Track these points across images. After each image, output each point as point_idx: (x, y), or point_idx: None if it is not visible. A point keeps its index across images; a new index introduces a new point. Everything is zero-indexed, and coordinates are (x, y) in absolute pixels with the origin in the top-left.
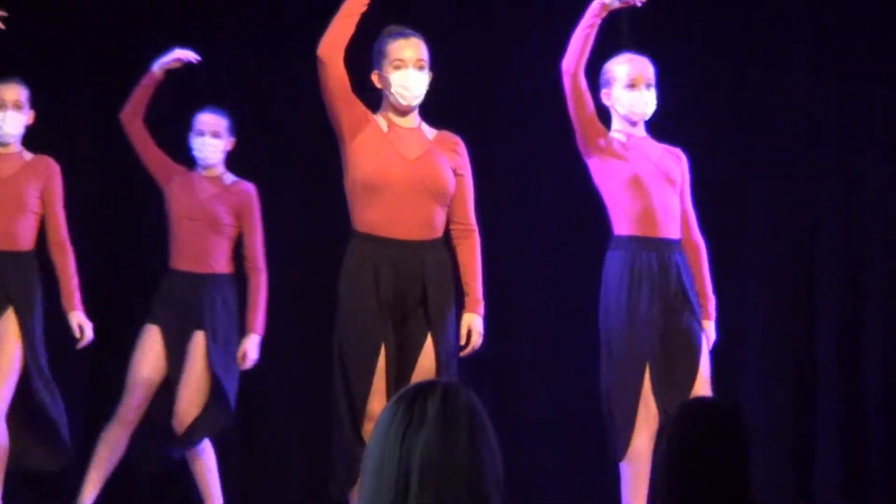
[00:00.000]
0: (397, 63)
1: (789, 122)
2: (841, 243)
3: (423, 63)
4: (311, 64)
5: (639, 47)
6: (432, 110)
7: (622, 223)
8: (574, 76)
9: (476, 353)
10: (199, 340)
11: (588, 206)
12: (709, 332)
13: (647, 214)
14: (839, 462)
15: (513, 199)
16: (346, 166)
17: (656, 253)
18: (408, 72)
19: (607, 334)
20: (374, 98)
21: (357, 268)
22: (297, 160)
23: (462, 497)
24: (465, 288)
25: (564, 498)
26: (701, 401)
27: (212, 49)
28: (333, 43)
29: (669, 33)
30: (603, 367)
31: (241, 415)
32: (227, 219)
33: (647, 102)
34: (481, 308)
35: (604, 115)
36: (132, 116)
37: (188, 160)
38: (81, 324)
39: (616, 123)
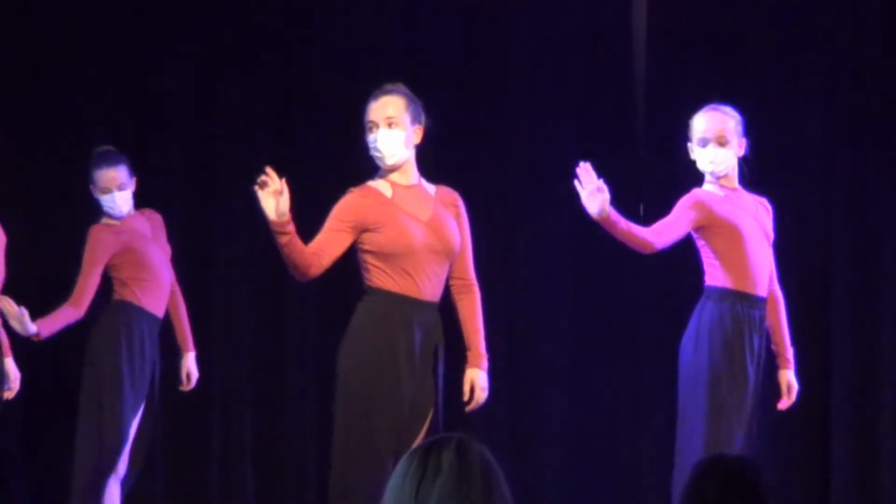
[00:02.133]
0: (368, 125)
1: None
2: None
3: (393, 120)
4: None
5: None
6: (442, 166)
7: (719, 275)
8: (655, 250)
9: (483, 408)
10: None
11: (605, 254)
12: (791, 381)
13: (748, 270)
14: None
15: (529, 244)
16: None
17: (751, 309)
18: (378, 133)
19: (696, 381)
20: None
21: (382, 325)
22: None
23: None
24: (468, 343)
25: None
26: (720, 458)
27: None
28: (300, 270)
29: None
30: (688, 418)
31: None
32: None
33: (712, 161)
34: (485, 363)
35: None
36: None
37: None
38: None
39: (707, 176)
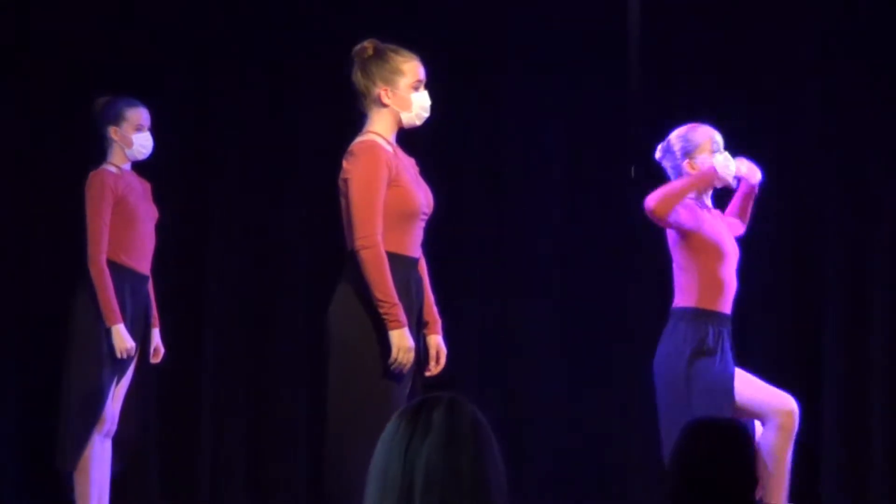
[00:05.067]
0: (417, 84)
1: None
2: (846, 244)
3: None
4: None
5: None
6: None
7: (693, 294)
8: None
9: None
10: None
11: (601, 225)
12: None
13: (723, 289)
14: (843, 465)
15: (522, 214)
16: None
17: (721, 328)
18: (426, 93)
19: (681, 404)
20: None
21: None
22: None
23: None
24: (427, 310)
25: None
26: (709, 420)
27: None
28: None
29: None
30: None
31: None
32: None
33: (732, 162)
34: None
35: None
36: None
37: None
38: None
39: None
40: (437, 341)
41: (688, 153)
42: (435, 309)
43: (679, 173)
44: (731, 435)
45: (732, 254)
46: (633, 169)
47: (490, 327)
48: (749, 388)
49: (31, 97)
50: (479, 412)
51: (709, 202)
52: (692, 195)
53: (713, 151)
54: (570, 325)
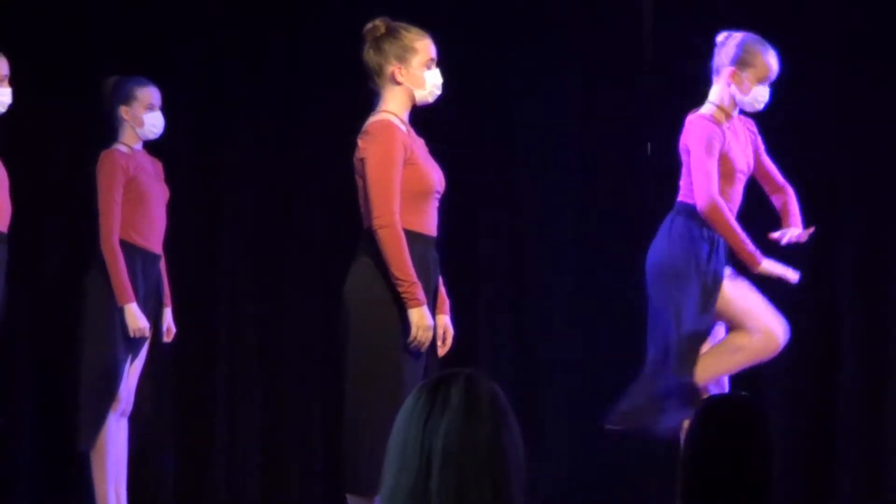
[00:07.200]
0: (430, 62)
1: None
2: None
3: None
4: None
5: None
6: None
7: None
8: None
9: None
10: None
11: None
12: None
13: (734, 204)
14: (859, 467)
15: (534, 187)
16: None
17: (715, 232)
18: (438, 71)
19: (669, 285)
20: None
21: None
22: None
23: (483, 481)
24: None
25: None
26: (726, 398)
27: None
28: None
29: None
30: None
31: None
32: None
33: (764, 101)
34: (448, 306)
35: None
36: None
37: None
38: None
39: (719, 97)
40: (444, 321)
41: (741, 64)
42: (443, 289)
43: (718, 73)
44: (744, 413)
45: (744, 174)
46: (649, 146)
47: (504, 315)
48: (741, 299)
49: (42, 77)
50: (497, 387)
51: (736, 114)
52: (716, 110)
53: (765, 82)
54: (585, 312)
